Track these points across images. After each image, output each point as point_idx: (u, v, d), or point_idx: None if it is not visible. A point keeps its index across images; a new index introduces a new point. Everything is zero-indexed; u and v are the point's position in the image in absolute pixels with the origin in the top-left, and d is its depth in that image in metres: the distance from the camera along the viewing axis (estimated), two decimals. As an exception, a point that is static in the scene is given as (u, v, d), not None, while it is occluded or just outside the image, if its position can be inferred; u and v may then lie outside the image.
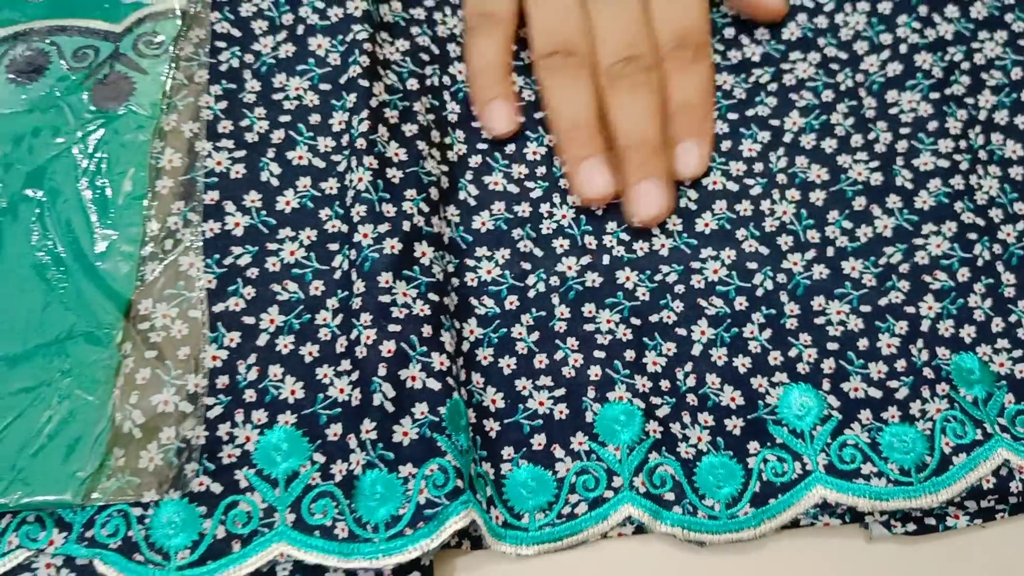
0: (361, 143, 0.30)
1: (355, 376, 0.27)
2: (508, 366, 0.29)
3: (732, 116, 0.33)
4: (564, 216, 0.32)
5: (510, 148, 0.33)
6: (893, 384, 0.29)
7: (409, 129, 0.31)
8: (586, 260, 0.31)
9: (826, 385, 0.29)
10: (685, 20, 0.33)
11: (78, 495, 0.26)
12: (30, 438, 0.26)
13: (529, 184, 0.32)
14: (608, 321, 0.30)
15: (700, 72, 0.33)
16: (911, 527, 0.28)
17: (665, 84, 0.32)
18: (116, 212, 0.29)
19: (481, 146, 0.33)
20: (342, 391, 0.28)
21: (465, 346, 0.29)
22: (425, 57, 0.33)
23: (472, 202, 0.32)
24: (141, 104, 0.30)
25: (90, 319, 0.28)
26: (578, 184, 0.31)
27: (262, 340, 0.28)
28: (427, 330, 0.28)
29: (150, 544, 0.26)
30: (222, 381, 0.28)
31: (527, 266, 0.31)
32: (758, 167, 0.33)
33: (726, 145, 0.33)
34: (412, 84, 0.32)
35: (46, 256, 0.28)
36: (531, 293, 0.30)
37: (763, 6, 0.34)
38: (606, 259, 0.31)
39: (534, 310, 0.30)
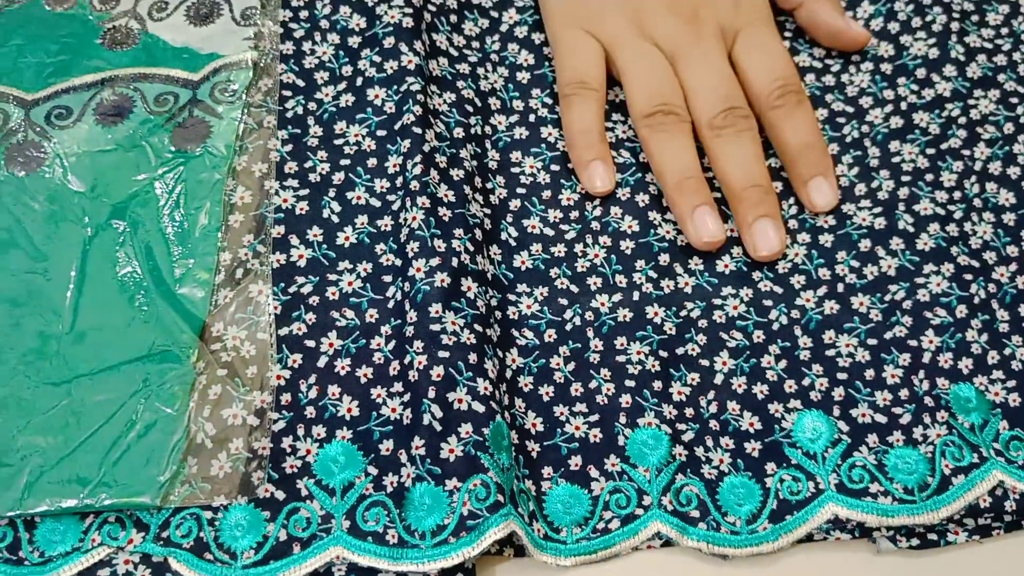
0: (415, 185, 0.33)
1: (407, 397, 0.30)
2: (547, 393, 0.32)
3: None
4: (596, 256, 0.34)
5: (546, 194, 0.36)
6: (897, 411, 0.31)
7: (456, 174, 0.34)
8: (617, 297, 0.34)
9: (836, 411, 0.32)
10: (779, 68, 0.36)
11: (156, 498, 0.28)
12: (114, 445, 0.29)
13: (564, 227, 0.35)
14: (638, 353, 0.33)
15: (808, 112, 0.36)
16: (915, 542, 0.30)
17: (775, 131, 0.35)
18: (193, 243, 0.32)
19: (520, 191, 0.36)
20: (394, 410, 0.30)
21: (508, 374, 0.32)
22: (469, 108, 0.36)
23: (513, 243, 0.34)
24: (216, 146, 0.33)
25: (168, 339, 0.30)
26: (692, 231, 0.34)
27: (322, 362, 0.31)
28: (473, 357, 0.30)
29: (219, 544, 0.28)
30: (285, 398, 0.30)
31: (564, 302, 0.33)
32: None
33: None
34: (458, 132, 0.35)
35: (129, 281, 0.31)
36: (568, 327, 0.33)
37: (846, 35, 0.37)
38: (636, 296, 0.34)
39: (570, 342, 0.33)
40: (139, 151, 0.33)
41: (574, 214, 0.35)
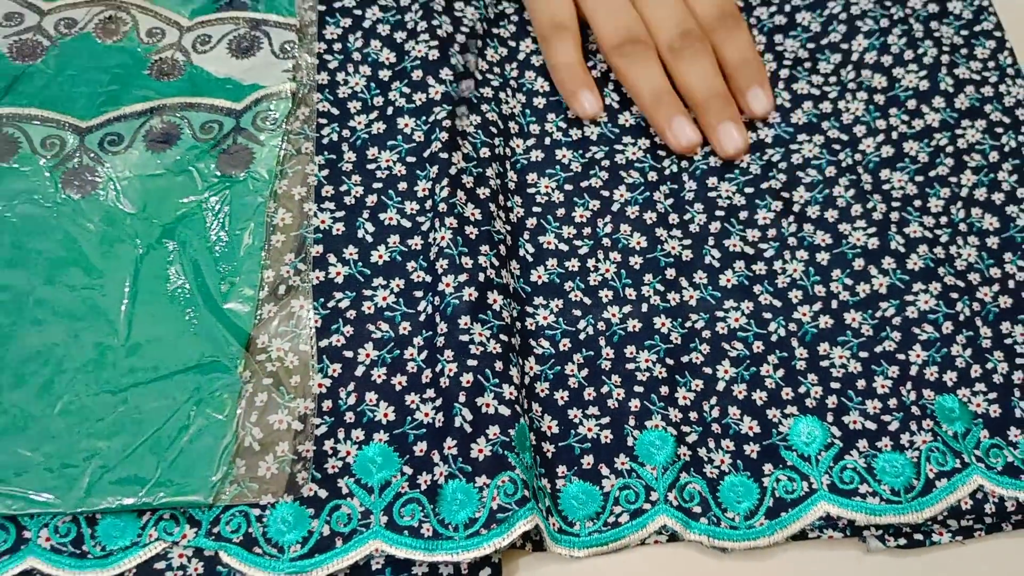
0: (443, 207, 0.36)
1: (439, 402, 0.33)
2: (562, 398, 0.35)
3: (748, 190, 0.39)
4: (607, 270, 0.37)
5: (560, 212, 0.38)
6: (886, 419, 0.34)
7: (482, 192, 0.37)
8: (627, 308, 0.36)
9: (830, 417, 0.34)
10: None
11: (208, 497, 0.31)
12: (169, 448, 0.31)
13: (577, 243, 0.38)
14: (646, 360, 0.35)
15: (744, 33, 0.41)
16: (902, 541, 0.33)
17: (718, 50, 0.40)
18: (238, 261, 0.34)
19: (536, 209, 0.38)
20: (427, 414, 0.33)
21: (526, 380, 0.35)
22: (493, 130, 0.39)
23: (530, 258, 0.37)
24: (259, 171, 0.36)
25: (217, 350, 0.33)
26: (672, 138, 0.39)
27: (359, 371, 0.34)
28: (499, 365, 0.33)
29: (267, 539, 0.31)
30: (327, 405, 0.33)
31: (578, 313, 0.36)
32: (771, 233, 0.38)
33: (743, 215, 0.39)
34: (484, 152, 0.38)
35: (179, 296, 0.34)
36: (581, 336, 0.36)
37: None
38: (644, 307, 0.36)
39: (584, 350, 0.36)
40: (187, 175, 0.36)
41: (586, 231, 0.38)
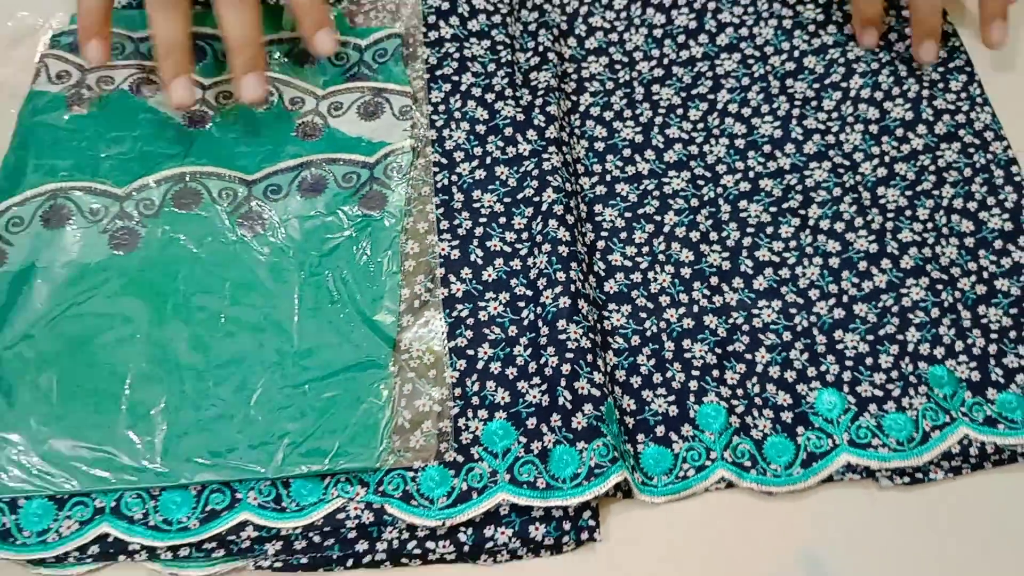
0: (539, 238, 0.45)
1: (544, 387, 0.42)
2: (636, 382, 0.44)
3: (772, 209, 0.48)
4: (664, 280, 0.47)
5: (623, 235, 0.48)
6: (890, 387, 0.43)
7: (569, 219, 0.46)
8: (682, 311, 0.46)
9: (846, 389, 0.43)
10: None
11: (375, 463, 0.40)
12: (343, 428, 0.41)
13: (638, 259, 0.47)
14: (700, 351, 0.45)
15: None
16: (907, 479, 0.42)
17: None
18: (381, 283, 0.44)
19: (603, 233, 0.48)
20: (535, 397, 0.42)
21: (608, 369, 0.44)
22: (570, 170, 0.48)
23: (602, 273, 0.47)
24: (391, 211, 0.46)
25: (371, 352, 0.42)
26: (169, 95, 0.43)
27: (480, 365, 0.43)
28: (589, 357, 0.42)
29: (420, 494, 0.40)
30: (457, 391, 0.43)
31: (643, 315, 0.46)
32: (792, 244, 0.47)
33: (769, 230, 0.48)
34: (568, 187, 0.48)
35: (338, 311, 0.43)
36: (647, 333, 0.45)
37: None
38: (695, 309, 0.46)
39: (650, 344, 0.45)
40: (335, 216, 0.45)
41: (645, 249, 0.47)
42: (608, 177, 0.49)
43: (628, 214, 0.48)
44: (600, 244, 0.47)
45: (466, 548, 0.40)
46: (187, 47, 0.43)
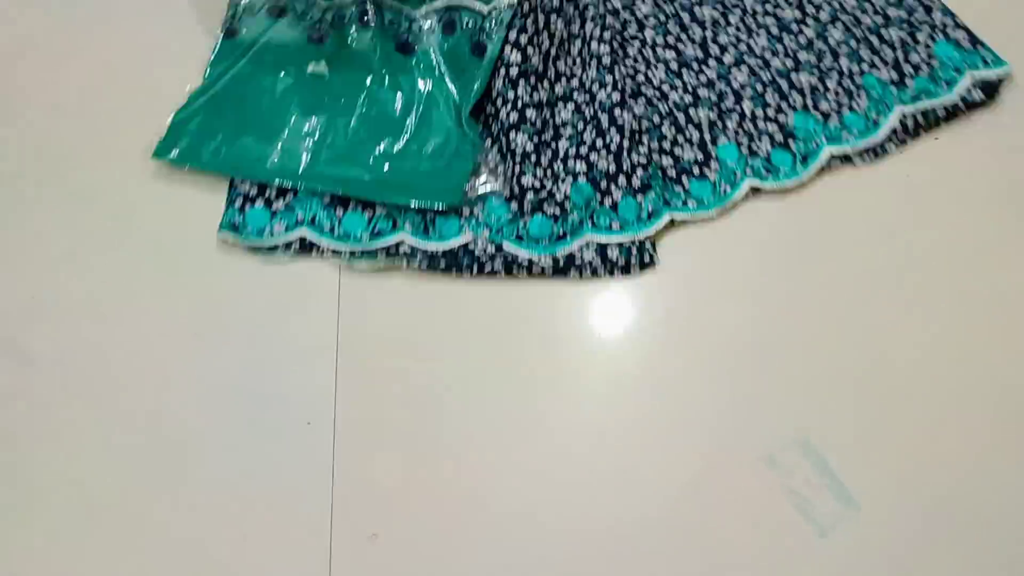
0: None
1: (610, 158, 0.57)
2: (665, 146, 0.59)
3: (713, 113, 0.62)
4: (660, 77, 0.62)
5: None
6: (844, 100, 0.59)
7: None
8: (680, 91, 0.61)
9: (812, 109, 0.59)
10: None
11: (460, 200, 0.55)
12: (451, 182, 0.55)
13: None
14: (704, 114, 0.60)
15: None
16: (873, 156, 0.58)
17: None
18: (472, 94, 0.58)
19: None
20: (604, 165, 0.57)
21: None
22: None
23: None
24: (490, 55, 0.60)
25: (463, 136, 0.57)
26: None
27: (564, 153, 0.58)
28: (638, 136, 0.57)
29: (529, 236, 0.54)
30: (544, 162, 0.57)
31: (656, 103, 0.61)
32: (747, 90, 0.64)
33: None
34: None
35: (442, 108, 0.59)
36: (662, 114, 0.61)
37: None
38: (690, 88, 0.62)
39: (667, 120, 0.60)
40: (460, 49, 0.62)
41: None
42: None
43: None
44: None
45: (561, 263, 0.54)
46: None
